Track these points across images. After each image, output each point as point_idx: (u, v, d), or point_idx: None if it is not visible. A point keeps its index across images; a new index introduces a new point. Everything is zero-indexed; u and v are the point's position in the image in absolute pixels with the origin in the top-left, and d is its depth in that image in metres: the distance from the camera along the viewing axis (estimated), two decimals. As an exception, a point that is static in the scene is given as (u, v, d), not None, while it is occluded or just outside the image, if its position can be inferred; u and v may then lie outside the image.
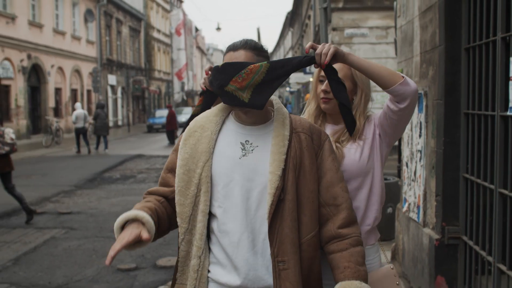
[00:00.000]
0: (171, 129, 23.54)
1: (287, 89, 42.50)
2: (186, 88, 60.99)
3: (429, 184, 4.47)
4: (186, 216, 2.09)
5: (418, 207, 4.76)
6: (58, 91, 29.17)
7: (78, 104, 21.19)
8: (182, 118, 37.61)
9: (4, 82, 23.00)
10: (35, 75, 26.66)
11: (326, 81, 2.47)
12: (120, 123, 39.82)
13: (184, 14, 60.68)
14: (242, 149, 2.11)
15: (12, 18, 23.69)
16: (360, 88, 2.49)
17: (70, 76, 30.56)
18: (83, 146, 20.67)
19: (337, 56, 2.13)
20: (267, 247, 2.03)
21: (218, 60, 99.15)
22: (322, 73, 2.48)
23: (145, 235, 1.93)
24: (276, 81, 2.04)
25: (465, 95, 4.01)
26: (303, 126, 2.18)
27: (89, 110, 33.15)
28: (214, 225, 2.11)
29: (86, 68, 32.92)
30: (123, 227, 1.98)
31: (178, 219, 2.11)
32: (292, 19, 46.93)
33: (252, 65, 2.00)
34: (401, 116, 2.35)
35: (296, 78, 30.28)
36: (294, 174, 2.06)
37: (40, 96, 27.16)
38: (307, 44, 2.16)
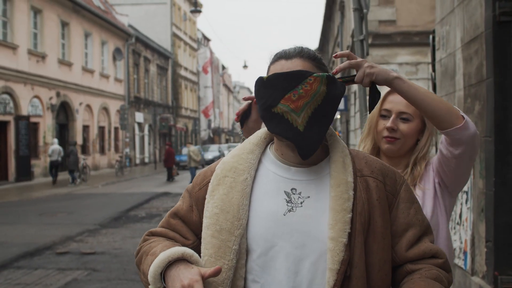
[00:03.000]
0: (168, 166, 24.69)
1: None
2: (212, 125, 61.32)
3: (478, 229, 4.11)
4: None
5: (464, 253, 4.39)
6: (85, 128, 29.43)
7: (55, 140, 23.03)
8: (209, 155, 37.57)
9: (33, 119, 23.27)
10: (63, 113, 26.97)
11: (392, 117, 2.11)
12: (146, 160, 39.94)
13: (211, 53, 61.40)
14: (288, 202, 1.50)
15: (43, 57, 24.07)
16: (428, 130, 2.14)
17: (98, 114, 30.84)
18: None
19: (377, 81, 1.64)
20: None
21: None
22: (386, 106, 2.13)
23: (209, 270, 1.42)
24: (335, 107, 1.50)
25: (518, 132, 3.69)
26: (372, 167, 1.56)
27: (116, 147, 33.36)
28: None
29: (114, 106, 33.22)
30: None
31: None
32: (318, 56, 47.07)
33: (313, 77, 1.44)
34: (459, 162, 1.95)
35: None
36: (361, 239, 1.47)
37: (68, 133, 27.39)
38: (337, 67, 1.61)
